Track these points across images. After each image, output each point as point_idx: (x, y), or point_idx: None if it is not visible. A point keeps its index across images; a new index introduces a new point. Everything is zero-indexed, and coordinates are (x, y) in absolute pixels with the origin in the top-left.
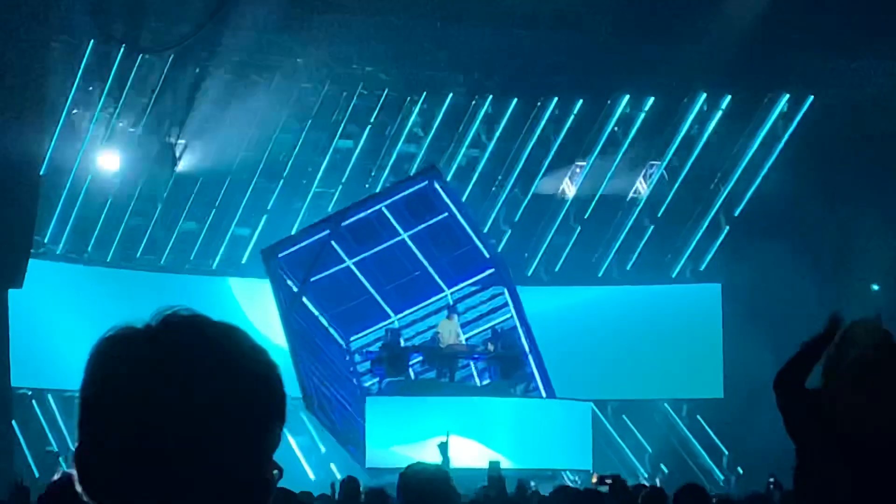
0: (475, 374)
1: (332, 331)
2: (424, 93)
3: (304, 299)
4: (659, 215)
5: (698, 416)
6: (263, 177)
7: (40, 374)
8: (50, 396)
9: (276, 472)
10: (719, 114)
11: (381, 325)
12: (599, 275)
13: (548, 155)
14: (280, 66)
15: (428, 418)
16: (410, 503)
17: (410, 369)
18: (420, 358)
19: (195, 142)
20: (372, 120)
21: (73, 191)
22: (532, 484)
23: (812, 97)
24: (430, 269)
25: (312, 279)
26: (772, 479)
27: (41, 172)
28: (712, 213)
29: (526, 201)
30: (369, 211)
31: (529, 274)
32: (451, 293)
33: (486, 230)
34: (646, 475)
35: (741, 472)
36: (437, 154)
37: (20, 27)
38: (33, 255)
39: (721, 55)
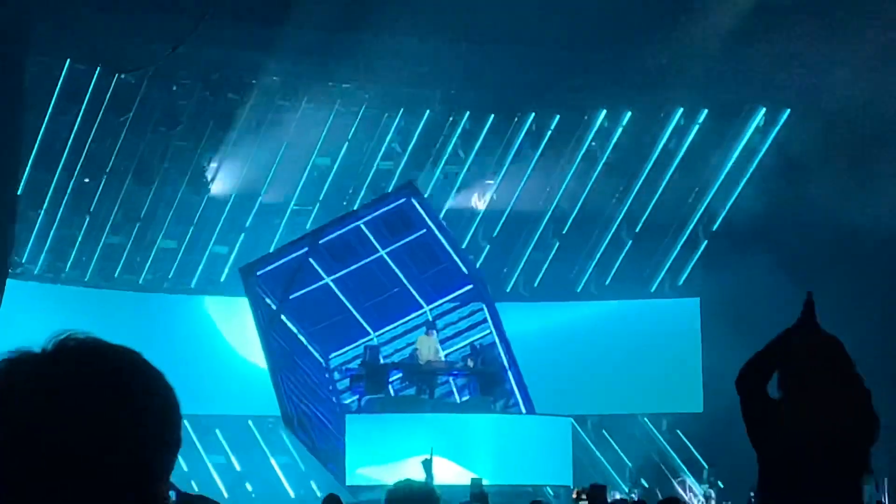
0: (455, 390)
1: (311, 348)
2: (401, 109)
3: (283, 317)
4: (637, 230)
5: (678, 431)
6: (241, 194)
7: None
8: None
9: (171, 493)
10: (696, 128)
11: (360, 342)
12: (578, 290)
13: (526, 170)
14: (257, 83)
15: (408, 435)
16: None
17: (390, 386)
18: (399, 375)
19: (172, 160)
20: (349, 137)
21: (51, 210)
22: None
23: (788, 111)
24: (409, 286)
25: (291, 297)
26: (752, 493)
27: (18, 192)
28: (690, 227)
29: (504, 217)
30: (347, 228)
31: (508, 290)
32: (430, 310)
33: (464, 246)
34: (626, 490)
35: (721, 486)
36: (414, 170)
37: None
38: (11, 275)
39: (697, 70)
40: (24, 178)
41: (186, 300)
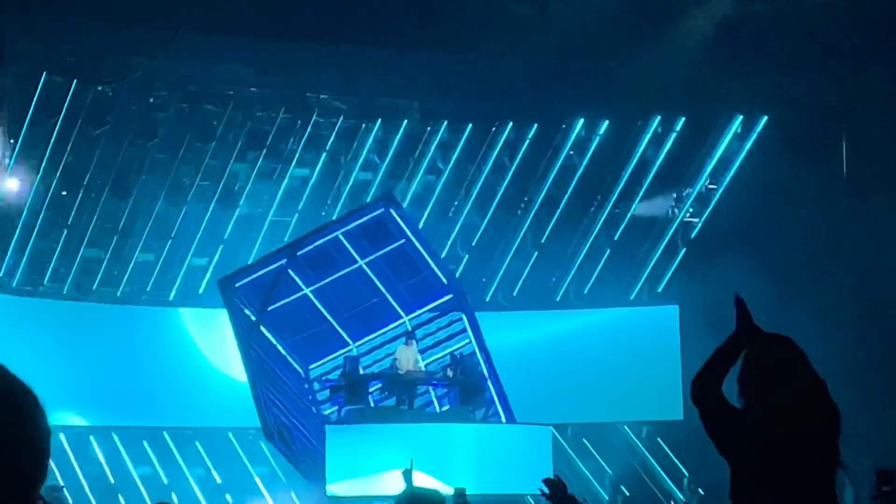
0: (434, 400)
1: (290, 359)
2: (379, 120)
3: (262, 328)
4: (615, 238)
5: (658, 439)
6: (219, 206)
7: None
8: None
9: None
10: (674, 136)
11: (339, 352)
12: (557, 298)
13: (504, 180)
14: (234, 94)
15: (388, 446)
16: None
17: (370, 397)
18: (379, 385)
19: (150, 172)
20: (327, 147)
21: (28, 223)
22: None
23: (765, 118)
24: (388, 296)
25: (270, 308)
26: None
27: None
28: (669, 235)
29: (483, 226)
30: (326, 239)
31: (487, 299)
32: (410, 320)
33: (443, 256)
34: (606, 498)
35: (702, 493)
36: (392, 181)
37: None
38: None
39: (675, 77)
40: (1, 191)
41: (165, 312)
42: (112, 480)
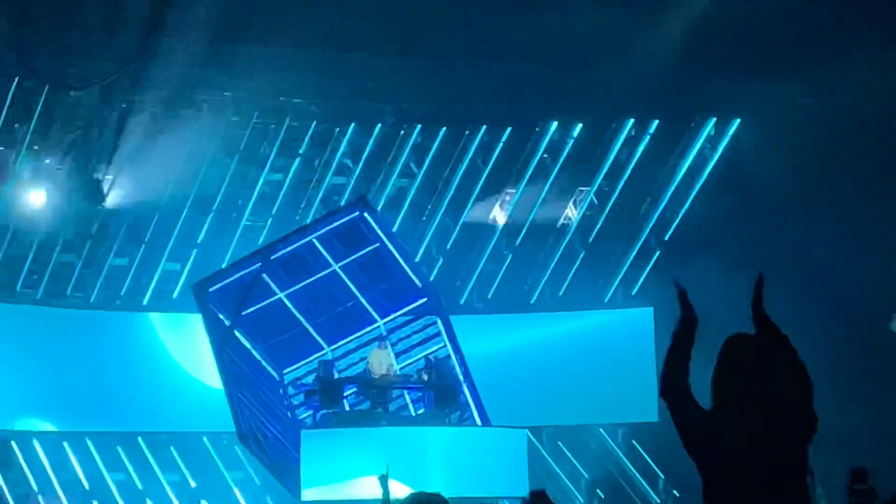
0: (409, 404)
1: (265, 364)
2: (353, 124)
3: (237, 333)
4: (590, 241)
5: (634, 441)
6: (193, 211)
7: None
8: None
9: None
10: (647, 138)
11: (314, 357)
12: (532, 301)
13: (478, 183)
14: (207, 99)
15: (363, 450)
16: None
17: (345, 401)
18: (354, 389)
19: (123, 177)
20: (301, 152)
21: (1, 229)
22: None
23: (738, 120)
24: (363, 300)
25: (244, 313)
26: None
27: None
28: (643, 238)
29: (457, 230)
30: (300, 243)
31: (462, 302)
32: (384, 323)
33: (417, 259)
34: (582, 501)
35: (677, 495)
36: (366, 184)
37: None
38: None
39: (648, 80)
40: None
41: (139, 318)
42: (86, 486)
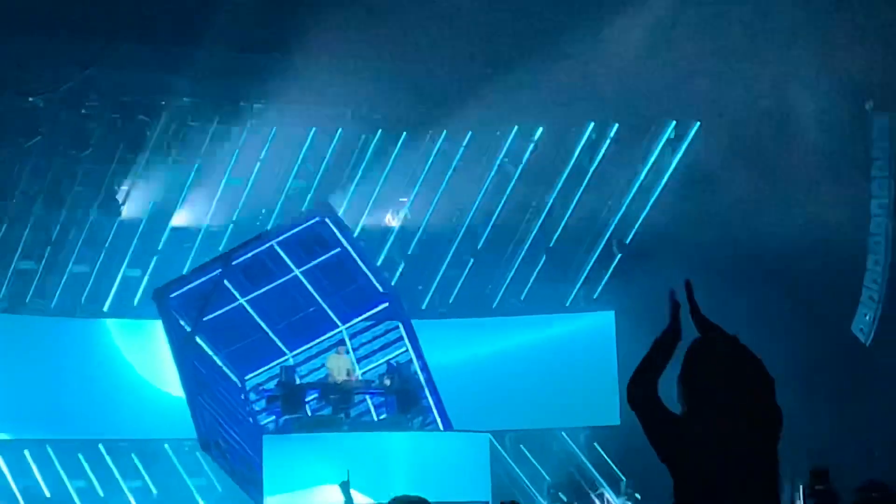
0: (372, 409)
1: (226, 370)
2: (313, 128)
3: (198, 339)
4: (551, 245)
5: (595, 444)
6: (153, 217)
7: None
8: None
9: None
10: (608, 142)
11: (275, 362)
12: (494, 305)
13: (439, 187)
14: (167, 105)
15: (325, 455)
16: None
17: (307, 406)
18: (316, 395)
19: (83, 183)
20: (261, 157)
21: None
22: None
23: (698, 123)
24: (324, 305)
25: (205, 319)
26: None
27: None
28: (604, 241)
29: (418, 234)
30: (261, 248)
31: (424, 307)
32: (346, 328)
33: (379, 264)
34: None
35: (639, 497)
36: (328, 189)
37: None
38: None
39: (608, 85)
40: None
41: (99, 324)
42: (48, 494)
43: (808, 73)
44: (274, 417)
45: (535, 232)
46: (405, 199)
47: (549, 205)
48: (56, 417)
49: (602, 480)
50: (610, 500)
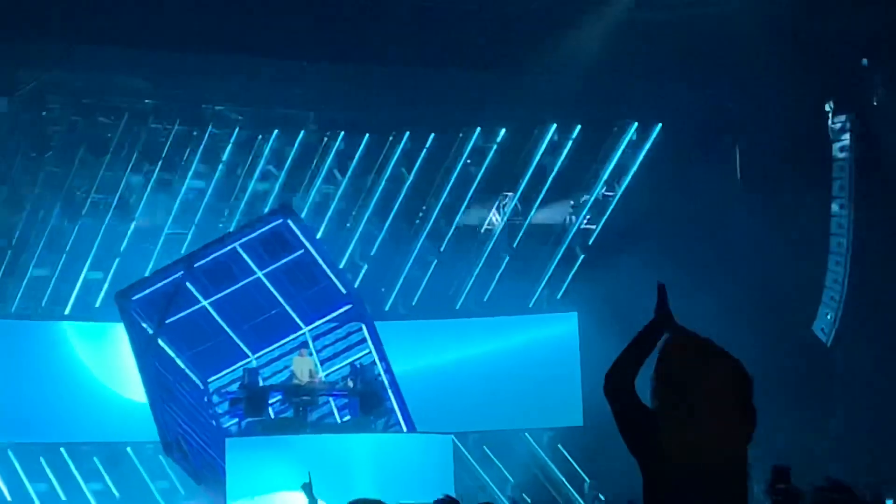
0: (335, 410)
1: (189, 372)
2: (276, 130)
3: (160, 341)
4: (514, 246)
5: (559, 445)
6: (114, 219)
7: None
8: None
9: None
10: (570, 144)
11: (238, 364)
12: (457, 307)
13: (401, 189)
14: (128, 107)
15: (289, 457)
16: None
17: (270, 408)
18: (279, 397)
19: (43, 186)
20: (224, 159)
21: None
22: None
23: (660, 125)
24: (287, 308)
25: (168, 321)
26: None
27: None
28: (566, 242)
29: (381, 236)
30: (223, 251)
31: (387, 309)
32: (309, 330)
33: (342, 266)
34: None
35: (602, 498)
36: (290, 191)
37: None
38: None
39: (570, 85)
40: None
41: (61, 327)
42: (9, 497)
43: (770, 73)
44: (237, 420)
45: (497, 233)
46: (367, 201)
47: (512, 206)
48: (17, 421)
49: (566, 481)
50: (574, 500)
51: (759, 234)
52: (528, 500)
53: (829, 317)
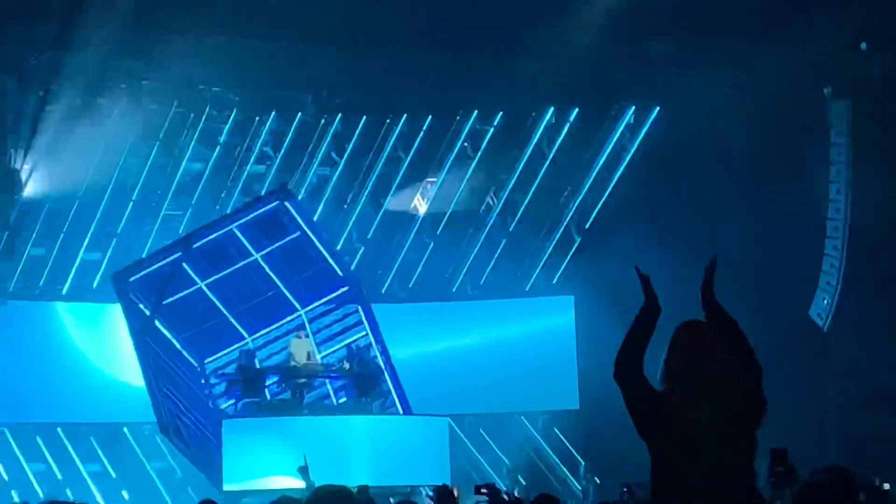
0: (331, 392)
1: (186, 354)
2: (273, 112)
3: (157, 323)
4: (511, 229)
5: (555, 428)
6: (112, 200)
7: None
8: None
9: None
10: (567, 127)
11: (235, 346)
12: (453, 290)
13: (398, 172)
14: (126, 88)
15: (285, 439)
16: None
17: (266, 390)
18: (276, 378)
19: (41, 166)
20: (221, 141)
21: None
22: (391, 501)
23: (658, 108)
24: (284, 289)
25: (165, 302)
26: (625, 488)
27: None
28: (563, 226)
29: (378, 218)
30: (221, 232)
31: (383, 291)
32: (306, 312)
33: (338, 248)
34: (504, 488)
35: (598, 481)
36: (287, 173)
37: None
38: None
39: (568, 69)
40: None
41: (58, 308)
42: (6, 477)
43: (768, 59)
44: (233, 401)
45: (494, 216)
46: (365, 183)
47: (509, 189)
48: (14, 401)
49: (561, 464)
50: (569, 483)
51: (755, 218)
52: (524, 483)
53: (825, 301)
